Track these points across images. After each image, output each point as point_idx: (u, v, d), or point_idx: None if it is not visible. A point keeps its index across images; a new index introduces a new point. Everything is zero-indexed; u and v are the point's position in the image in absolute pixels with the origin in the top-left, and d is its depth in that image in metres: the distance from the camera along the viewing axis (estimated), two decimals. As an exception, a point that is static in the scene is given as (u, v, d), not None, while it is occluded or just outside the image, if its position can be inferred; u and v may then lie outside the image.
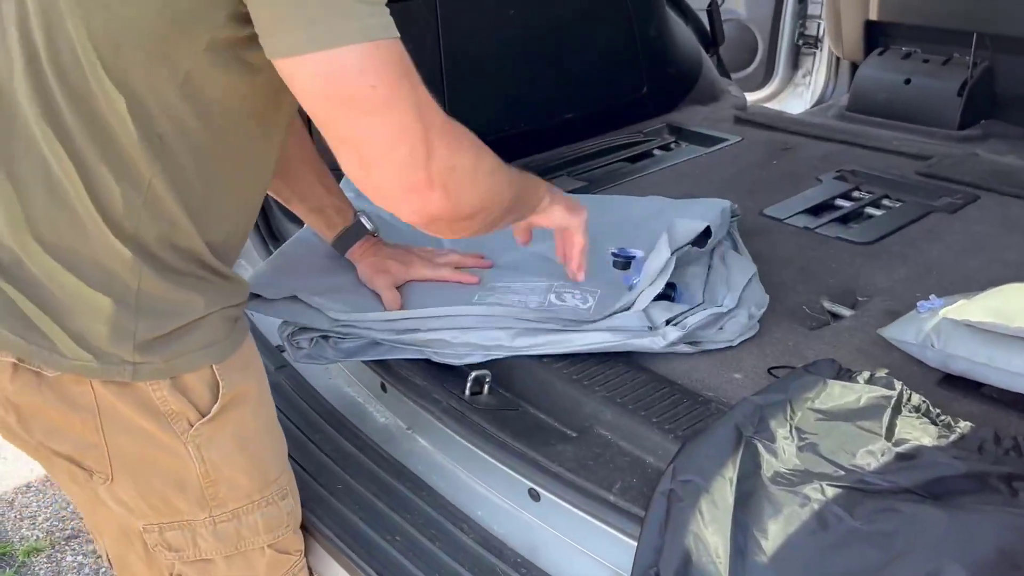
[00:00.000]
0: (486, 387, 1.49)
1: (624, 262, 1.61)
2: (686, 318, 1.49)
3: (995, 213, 2.01)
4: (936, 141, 2.67)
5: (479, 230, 1.28)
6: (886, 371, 1.28)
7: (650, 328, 1.47)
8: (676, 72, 2.88)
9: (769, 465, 1.13)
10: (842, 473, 1.12)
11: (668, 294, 1.53)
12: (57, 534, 2.80)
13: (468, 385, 1.48)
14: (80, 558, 2.70)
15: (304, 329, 1.58)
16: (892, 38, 3.35)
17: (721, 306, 1.52)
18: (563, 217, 1.48)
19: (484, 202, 1.23)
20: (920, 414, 1.22)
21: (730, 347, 1.52)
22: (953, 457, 1.13)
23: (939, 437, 1.18)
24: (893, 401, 1.22)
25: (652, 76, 2.78)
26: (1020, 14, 2.89)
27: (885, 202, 2.13)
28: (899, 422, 1.20)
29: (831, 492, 1.08)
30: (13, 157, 1.12)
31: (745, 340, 1.53)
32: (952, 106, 2.96)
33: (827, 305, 1.66)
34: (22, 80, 1.09)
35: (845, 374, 1.28)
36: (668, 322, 1.48)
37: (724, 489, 1.10)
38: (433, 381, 1.53)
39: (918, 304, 1.45)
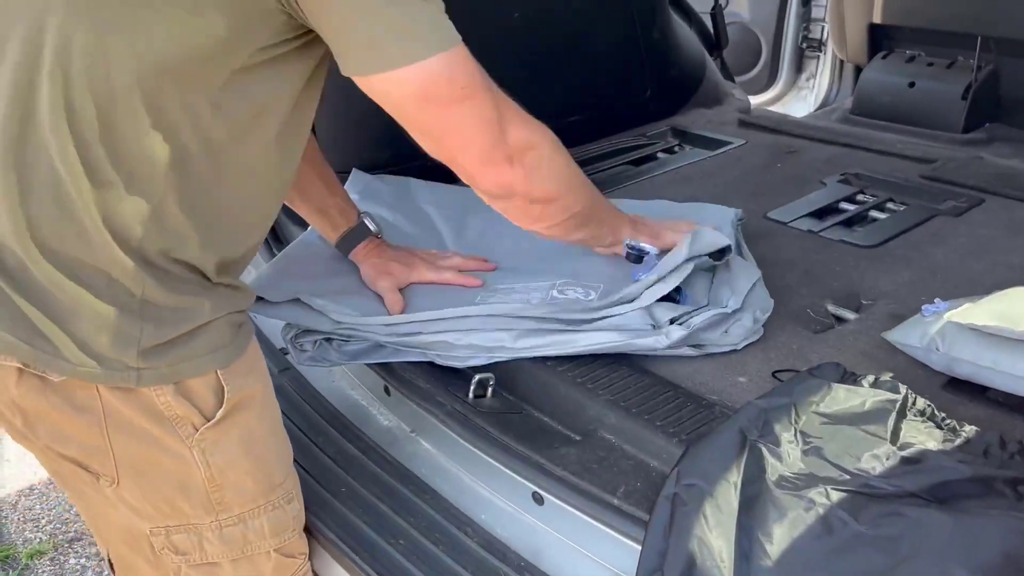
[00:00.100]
0: (490, 390, 1.49)
1: (637, 255, 1.60)
2: (690, 318, 1.48)
3: (1000, 216, 2.00)
4: (940, 144, 2.66)
5: (554, 224, 1.41)
6: (891, 375, 1.28)
7: (653, 327, 1.47)
8: (680, 75, 2.87)
9: (774, 469, 1.13)
10: (847, 477, 1.11)
11: (672, 296, 1.52)
12: (60, 537, 2.80)
13: (472, 388, 1.48)
14: (83, 560, 2.70)
15: (308, 332, 1.58)
16: (896, 41, 3.34)
17: (726, 307, 1.52)
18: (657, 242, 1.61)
19: (560, 190, 1.36)
20: (925, 418, 1.22)
21: (734, 351, 1.51)
22: (958, 461, 1.12)
23: (944, 441, 1.18)
24: (898, 405, 1.21)
25: (656, 79, 2.78)
26: (1025, 17, 2.89)
27: (889, 205, 2.13)
28: (904, 426, 1.19)
29: (836, 496, 1.08)
30: (25, 163, 1.12)
31: (749, 344, 1.53)
32: (956, 109, 2.95)
33: (831, 308, 1.66)
34: (45, 87, 1.09)
35: (850, 378, 1.28)
36: (672, 322, 1.48)
37: (728, 493, 1.10)
38: (436, 384, 1.53)
39: (923, 308, 1.44)
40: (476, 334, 1.51)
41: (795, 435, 1.17)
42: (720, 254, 1.58)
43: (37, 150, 1.11)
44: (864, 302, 1.68)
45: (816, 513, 1.06)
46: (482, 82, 1.21)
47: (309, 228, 1.77)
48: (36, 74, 1.10)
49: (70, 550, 2.75)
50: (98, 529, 1.46)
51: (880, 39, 3.37)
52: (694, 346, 1.50)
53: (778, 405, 1.21)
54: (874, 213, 2.10)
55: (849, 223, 2.05)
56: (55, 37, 1.09)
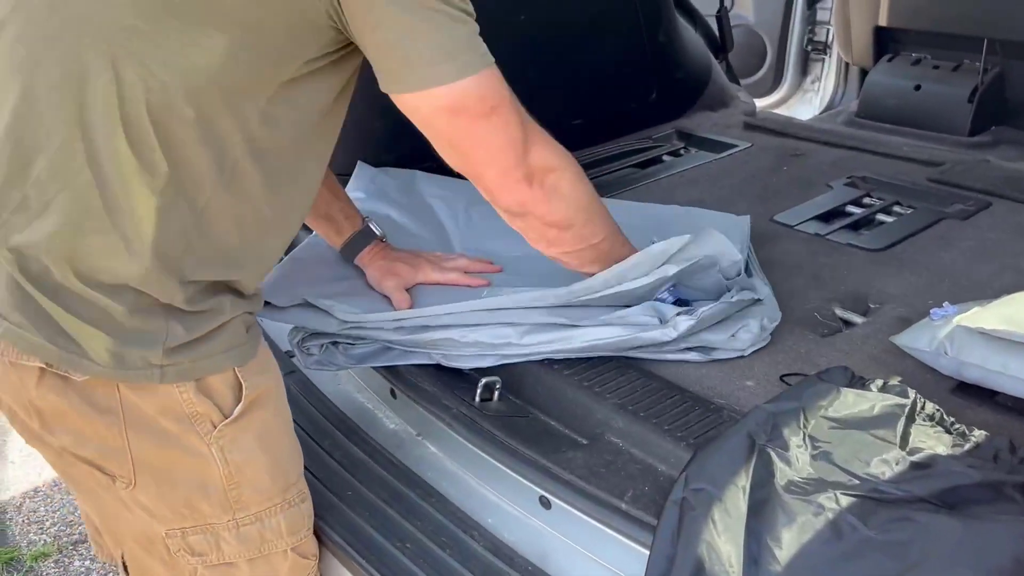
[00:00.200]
0: (496, 393, 1.49)
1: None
2: (697, 309, 1.48)
3: (1007, 220, 2.00)
4: (946, 147, 2.66)
5: (570, 252, 1.43)
6: (899, 379, 1.27)
7: (660, 322, 1.47)
8: (685, 78, 2.87)
9: (782, 474, 1.12)
10: (856, 482, 1.11)
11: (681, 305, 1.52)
12: (64, 539, 2.80)
13: (478, 391, 1.48)
14: (88, 563, 2.70)
15: (315, 335, 1.58)
16: (902, 44, 3.34)
17: (732, 300, 1.51)
18: None
19: (577, 217, 1.38)
20: (934, 423, 1.21)
21: (741, 355, 1.51)
22: (968, 466, 1.12)
23: (953, 446, 1.17)
24: (907, 409, 1.21)
25: (661, 82, 2.77)
26: (1031, 20, 2.89)
27: (896, 208, 2.12)
28: (913, 430, 1.19)
29: (845, 501, 1.07)
30: (73, 171, 1.14)
31: (756, 348, 1.52)
32: (962, 112, 2.95)
33: (839, 312, 1.65)
34: (100, 98, 1.11)
35: (858, 382, 1.28)
36: (679, 315, 1.47)
37: (737, 498, 1.09)
38: (443, 387, 1.52)
39: (931, 311, 1.44)
40: (482, 330, 1.50)
41: (804, 439, 1.17)
42: (730, 269, 1.57)
43: (88, 160, 1.13)
44: (872, 306, 1.67)
45: (825, 518, 1.06)
46: (511, 102, 1.25)
47: (314, 233, 1.77)
48: (90, 84, 1.11)
49: (74, 553, 2.75)
50: (112, 532, 1.46)
51: (886, 42, 3.37)
52: (701, 351, 1.49)
53: (787, 409, 1.20)
54: (881, 216, 2.09)
55: (856, 226, 2.04)
56: (108, 46, 1.11)
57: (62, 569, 2.69)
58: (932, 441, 1.17)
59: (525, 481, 1.36)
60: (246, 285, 1.28)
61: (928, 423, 1.21)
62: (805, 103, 3.92)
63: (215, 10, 1.10)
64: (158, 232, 1.15)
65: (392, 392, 1.63)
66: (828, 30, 3.81)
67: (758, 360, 1.50)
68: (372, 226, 1.69)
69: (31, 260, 1.16)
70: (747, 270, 1.69)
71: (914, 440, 1.17)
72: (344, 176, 1.82)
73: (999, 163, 2.37)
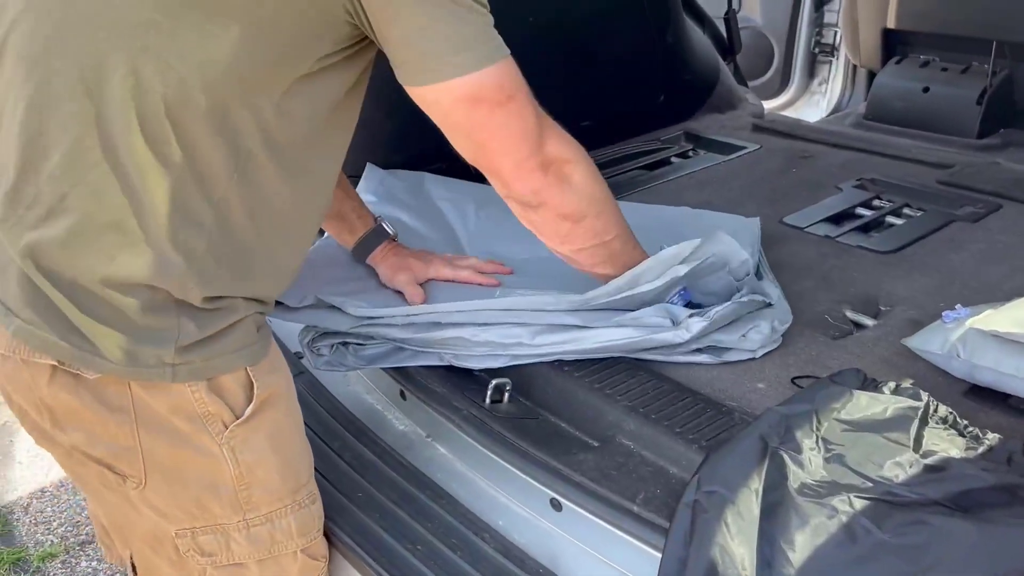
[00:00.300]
0: (506, 395, 1.49)
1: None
2: (709, 309, 1.48)
3: (1018, 222, 1.99)
4: (955, 150, 2.65)
5: (582, 249, 1.43)
6: (911, 381, 1.27)
7: (673, 323, 1.46)
8: (693, 80, 2.87)
9: (795, 476, 1.12)
10: (870, 485, 1.10)
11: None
12: (71, 540, 2.80)
13: (488, 393, 1.47)
14: (95, 563, 2.70)
15: (325, 335, 1.58)
16: (910, 46, 3.33)
17: (743, 300, 1.51)
18: None
19: (590, 209, 1.38)
20: (947, 425, 1.21)
21: (752, 358, 1.50)
22: (982, 469, 1.11)
23: (967, 449, 1.17)
24: (920, 412, 1.20)
25: (670, 84, 2.77)
26: (1040, 22, 2.88)
27: (906, 211, 2.12)
28: (926, 433, 1.19)
29: (859, 504, 1.07)
30: (89, 165, 1.14)
31: (767, 350, 1.52)
32: (971, 115, 2.94)
33: (849, 314, 1.65)
34: (116, 91, 1.12)
35: (871, 384, 1.27)
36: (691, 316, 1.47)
37: (750, 500, 1.09)
38: (453, 389, 1.52)
39: (943, 314, 1.43)
40: (493, 330, 1.50)
41: (817, 442, 1.16)
42: (739, 270, 1.57)
43: (105, 154, 1.13)
44: (882, 308, 1.67)
45: (839, 521, 1.05)
46: (526, 92, 1.26)
47: (325, 235, 1.78)
48: (106, 78, 1.12)
49: (82, 553, 2.75)
50: (120, 532, 1.46)
51: (894, 44, 3.36)
52: (712, 352, 1.49)
53: (799, 412, 1.20)
54: (891, 218, 2.09)
55: (866, 228, 2.04)
56: (125, 40, 1.11)
57: (69, 570, 2.69)
58: (945, 444, 1.17)
59: (536, 483, 1.36)
60: (261, 293, 1.28)
61: (941, 426, 1.20)
62: (812, 105, 3.91)
63: (233, 3, 1.11)
64: (175, 225, 1.14)
65: (402, 393, 1.63)
66: (836, 32, 3.80)
67: (769, 362, 1.50)
68: (385, 225, 1.69)
69: (45, 256, 1.16)
70: (757, 273, 1.69)
71: (927, 443, 1.17)
72: (353, 178, 1.82)
73: (1009, 165, 2.37)
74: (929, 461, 1.14)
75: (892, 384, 1.26)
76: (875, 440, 1.17)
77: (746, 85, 3.14)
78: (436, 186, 2.01)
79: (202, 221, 1.16)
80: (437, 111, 1.22)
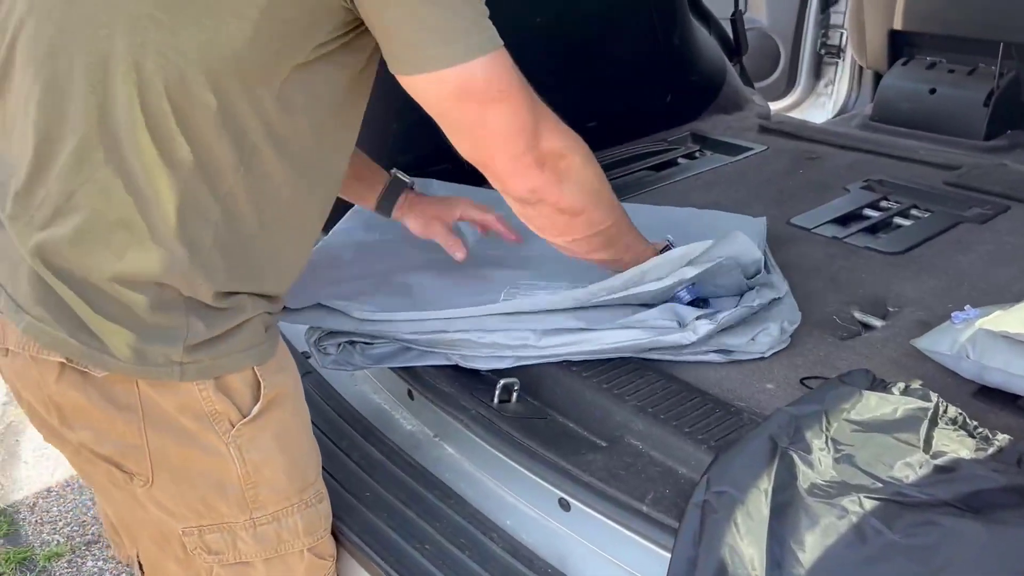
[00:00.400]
0: (514, 395, 1.49)
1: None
2: (716, 313, 1.48)
3: (1026, 224, 1.99)
4: (962, 151, 2.64)
5: (578, 239, 1.40)
6: (920, 382, 1.27)
7: (679, 325, 1.46)
8: (700, 81, 2.87)
9: (805, 477, 1.12)
10: (880, 485, 1.10)
11: (699, 306, 1.51)
12: (78, 539, 2.80)
13: (496, 393, 1.48)
14: (100, 563, 2.71)
15: (331, 334, 1.58)
16: (916, 48, 3.32)
17: (752, 304, 1.50)
18: None
19: (588, 202, 1.36)
20: (957, 426, 1.20)
21: (761, 358, 1.50)
22: (992, 470, 1.11)
23: (977, 450, 1.16)
24: (929, 413, 1.20)
25: (676, 85, 2.77)
26: (1047, 24, 2.88)
27: (914, 212, 2.12)
28: (936, 434, 1.18)
29: (869, 504, 1.07)
30: (96, 163, 1.14)
31: (776, 351, 1.52)
32: (978, 116, 2.94)
33: (858, 315, 1.65)
34: (120, 88, 1.12)
35: (880, 385, 1.27)
36: (698, 319, 1.47)
37: (759, 501, 1.09)
38: (460, 389, 1.52)
39: (952, 315, 1.43)
40: (500, 332, 1.50)
41: (826, 442, 1.16)
42: (751, 267, 1.57)
43: (111, 150, 1.13)
44: (890, 309, 1.67)
45: (849, 521, 1.05)
46: (521, 86, 1.22)
47: (330, 232, 1.78)
48: (110, 75, 1.12)
49: (87, 553, 2.75)
50: (127, 530, 1.46)
51: (900, 45, 3.36)
52: (721, 352, 1.49)
53: (809, 412, 1.20)
54: (898, 220, 2.09)
55: (873, 230, 2.04)
56: (126, 36, 1.11)
57: (75, 569, 2.69)
58: (955, 445, 1.17)
59: (544, 483, 1.36)
60: (269, 289, 1.28)
61: (951, 427, 1.20)
62: (818, 107, 3.91)
63: None
64: (182, 220, 1.15)
65: (409, 393, 1.63)
66: (842, 34, 3.79)
67: (777, 363, 1.50)
68: (400, 175, 1.71)
69: (55, 255, 1.16)
70: (765, 269, 1.69)
71: (937, 444, 1.17)
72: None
73: (1016, 167, 2.36)
74: (939, 462, 1.13)
75: (901, 385, 1.25)
76: (885, 441, 1.17)
77: (752, 86, 3.14)
78: (443, 191, 2.01)
79: (209, 215, 1.16)
80: (427, 102, 1.20)
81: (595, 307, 1.51)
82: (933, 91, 3.10)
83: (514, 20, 2.27)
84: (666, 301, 1.51)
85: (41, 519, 2.90)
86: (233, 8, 1.10)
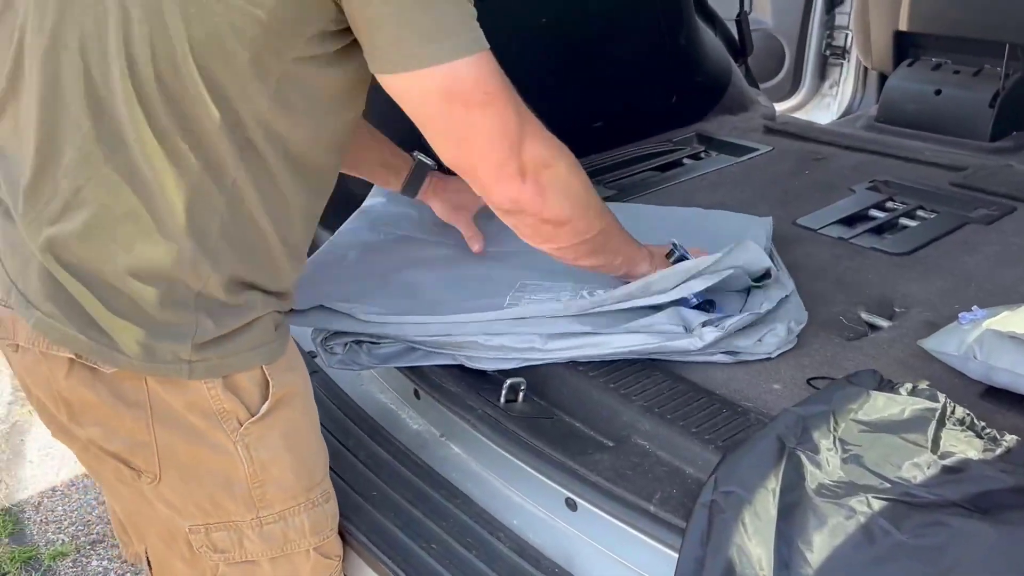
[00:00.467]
0: (521, 395, 1.49)
1: (678, 258, 1.56)
2: (724, 320, 1.47)
3: (1033, 226, 1.99)
4: (968, 152, 2.65)
5: (564, 247, 1.38)
6: (927, 383, 1.27)
7: (686, 330, 1.46)
8: (705, 81, 2.86)
9: (813, 477, 1.12)
10: (888, 486, 1.10)
11: (705, 308, 1.52)
12: (82, 539, 2.80)
13: (503, 393, 1.48)
14: (105, 563, 2.71)
15: (338, 334, 1.58)
16: (922, 49, 3.32)
17: (759, 310, 1.50)
18: None
19: (573, 213, 1.33)
20: (965, 427, 1.20)
21: (768, 358, 1.50)
22: (1000, 471, 1.11)
23: (985, 450, 1.16)
24: (937, 413, 1.20)
25: (682, 85, 2.77)
26: (1054, 25, 2.88)
27: (920, 213, 2.11)
28: (944, 435, 1.18)
29: (877, 505, 1.06)
30: (101, 158, 1.14)
31: (783, 351, 1.52)
32: (984, 117, 2.94)
33: (864, 316, 1.65)
34: (119, 84, 1.12)
35: (887, 385, 1.27)
36: (704, 325, 1.47)
37: (767, 501, 1.09)
38: (467, 388, 1.52)
39: (960, 315, 1.43)
40: (507, 335, 1.50)
41: (834, 443, 1.16)
42: (760, 277, 1.57)
43: (115, 145, 1.13)
44: (897, 310, 1.66)
45: (857, 522, 1.05)
46: (505, 92, 1.20)
47: (336, 232, 1.78)
48: (105, 69, 1.12)
49: (92, 552, 2.75)
50: (136, 528, 1.46)
51: (906, 46, 3.36)
52: (728, 353, 1.49)
53: (816, 412, 1.20)
54: (904, 220, 2.09)
55: (879, 230, 2.04)
56: (116, 30, 1.11)
57: (80, 569, 2.69)
58: (963, 445, 1.17)
59: (551, 483, 1.36)
60: (277, 281, 1.27)
61: (958, 427, 1.20)
62: (823, 108, 3.91)
63: None
64: (189, 212, 1.15)
65: (416, 393, 1.63)
66: (847, 35, 3.79)
67: (784, 363, 1.49)
68: (423, 159, 1.72)
69: (64, 250, 1.17)
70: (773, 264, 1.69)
71: (945, 444, 1.17)
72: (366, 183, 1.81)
73: (1022, 168, 2.36)
74: (947, 462, 1.13)
75: (909, 385, 1.25)
76: (893, 441, 1.17)
77: (757, 87, 3.14)
78: None
79: (215, 206, 1.16)
80: (410, 104, 1.17)
81: (600, 312, 1.51)
82: (938, 92, 3.11)
83: (520, 21, 2.30)
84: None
85: (46, 518, 2.90)
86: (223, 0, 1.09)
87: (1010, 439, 1.18)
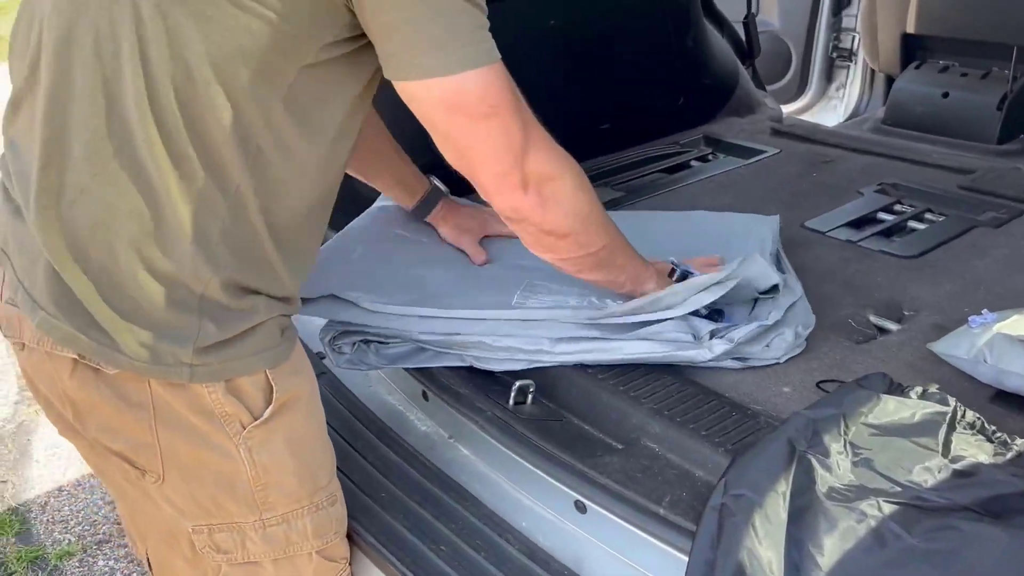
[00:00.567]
0: (530, 397, 1.49)
1: (680, 276, 1.57)
2: (731, 331, 1.47)
3: (1041, 229, 1.99)
4: (976, 155, 2.64)
5: (567, 259, 1.39)
6: (937, 386, 1.27)
7: (694, 338, 1.46)
8: (712, 83, 2.86)
9: (823, 480, 1.12)
10: (898, 489, 1.10)
11: (713, 319, 1.51)
12: (89, 538, 2.81)
13: (512, 395, 1.48)
14: (112, 563, 2.71)
15: (345, 333, 1.58)
16: (929, 51, 3.31)
17: (767, 320, 1.50)
18: None
19: (575, 226, 1.33)
20: (975, 431, 1.20)
21: (777, 362, 1.50)
22: (1011, 475, 1.11)
23: (995, 455, 1.16)
24: (948, 417, 1.20)
25: (689, 87, 2.77)
26: (1062, 28, 2.87)
27: (928, 216, 2.11)
28: (954, 439, 1.18)
29: (888, 508, 1.06)
30: (108, 156, 1.14)
31: (792, 355, 1.51)
32: (992, 120, 2.93)
33: (873, 319, 1.65)
34: (130, 84, 1.12)
35: (897, 389, 1.27)
36: (712, 335, 1.47)
37: (777, 504, 1.08)
38: (476, 390, 1.52)
39: (970, 319, 1.43)
40: (515, 337, 1.50)
41: (844, 446, 1.16)
42: (768, 291, 1.57)
43: (123, 144, 1.13)
44: (906, 313, 1.66)
45: (868, 525, 1.05)
46: (513, 103, 1.20)
47: (347, 226, 1.79)
48: (117, 68, 1.12)
49: (99, 552, 2.76)
50: (138, 527, 1.47)
51: (913, 49, 3.35)
52: (736, 359, 1.49)
53: (826, 416, 1.20)
54: (913, 223, 2.08)
55: (888, 233, 2.03)
56: (131, 31, 1.11)
57: (86, 568, 2.69)
58: (974, 449, 1.16)
59: (560, 485, 1.36)
60: (279, 287, 1.27)
61: (969, 431, 1.20)
62: (830, 110, 3.90)
63: None
64: (193, 215, 1.15)
65: (424, 394, 1.63)
66: (854, 37, 3.79)
67: (794, 366, 1.49)
68: (437, 183, 1.76)
69: (70, 247, 1.17)
70: (778, 266, 1.69)
71: (956, 448, 1.17)
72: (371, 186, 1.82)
73: (1030, 171, 2.35)
74: (958, 466, 1.13)
75: (919, 389, 1.25)
76: (903, 445, 1.16)
77: (764, 89, 3.13)
78: None
79: (216, 211, 1.16)
80: (419, 109, 1.18)
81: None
82: (946, 95, 3.10)
83: (528, 23, 2.30)
84: None
85: (53, 518, 2.90)
86: (238, 3, 1.09)
87: (1021, 443, 1.18)
